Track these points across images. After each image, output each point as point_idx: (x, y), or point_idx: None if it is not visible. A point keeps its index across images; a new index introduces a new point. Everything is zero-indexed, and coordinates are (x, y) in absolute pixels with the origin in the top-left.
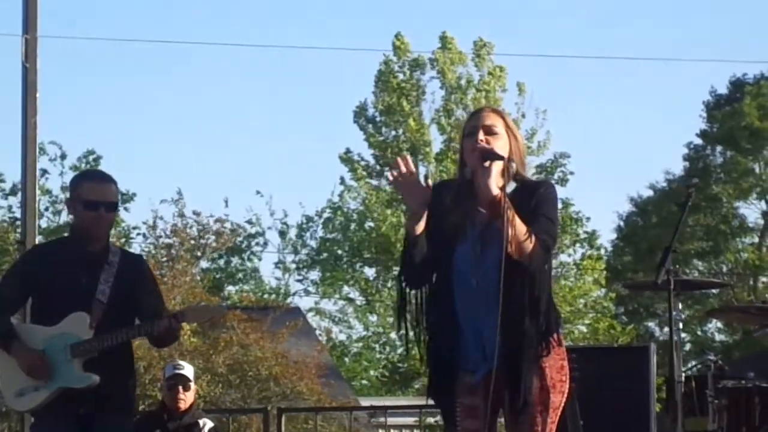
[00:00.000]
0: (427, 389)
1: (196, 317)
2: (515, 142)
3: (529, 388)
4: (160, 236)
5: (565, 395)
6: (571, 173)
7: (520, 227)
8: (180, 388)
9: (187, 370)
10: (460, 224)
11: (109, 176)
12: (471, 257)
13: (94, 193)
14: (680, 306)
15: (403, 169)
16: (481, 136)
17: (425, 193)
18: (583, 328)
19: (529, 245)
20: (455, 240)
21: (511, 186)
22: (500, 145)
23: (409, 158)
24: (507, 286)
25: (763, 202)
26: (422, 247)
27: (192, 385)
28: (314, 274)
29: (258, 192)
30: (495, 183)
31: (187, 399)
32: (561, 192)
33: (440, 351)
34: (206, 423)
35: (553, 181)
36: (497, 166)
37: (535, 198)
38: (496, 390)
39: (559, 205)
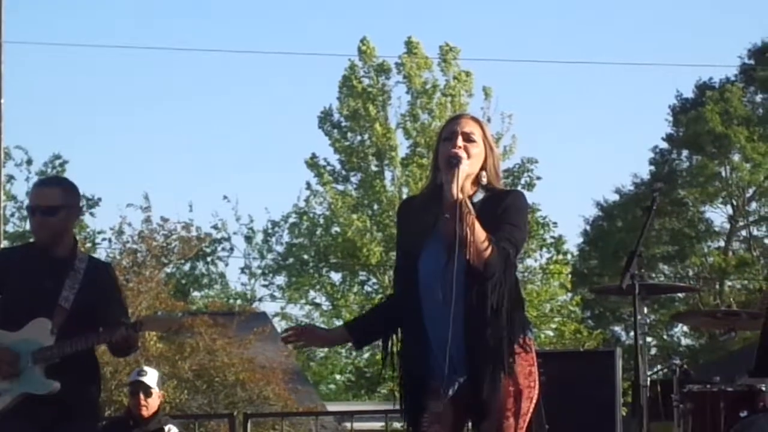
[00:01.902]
0: (399, 401)
1: (154, 327)
2: (491, 152)
3: (493, 396)
4: (127, 242)
5: (534, 401)
6: (538, 178)
7: (479, 233)
8: (141, 395)
9: (150, 376)
10: (424, 232)
11: (51, 180)
12: (437, 266)
13: (32, 198)
14: (645, 310)
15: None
16: (460, 142)
17: (314, 335)
18: (550, 333)
19: (487, 252)
20: (420, 248)
21: (480, 195)
22: (476, 152)
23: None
24: (469, 296)
25: (729, 207)
26: (373, 331)
27: (154, 391)
28: (280, 279)
29: (225, 197)
30: (458, 188)
31: (149, 405)
32: (528, 197)
33: (409, 363)
34: (171, 428)
35: (520, 186)
36: (462, 172)
37: (502, 206)
38: (462, 398)
39: (528, 213)
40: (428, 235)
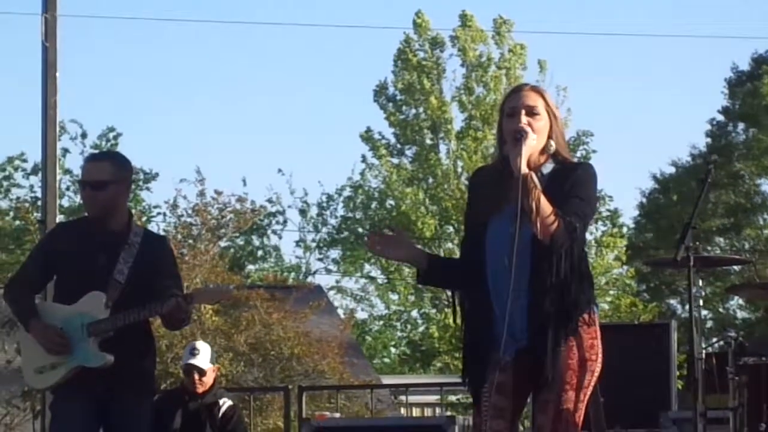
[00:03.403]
0: (462, 371)
1: (204, 299)
2: (555, 121)
3: (553, 368)
4: (182, 215)
5: (595, 374)
6: (594, 151)
7: (545, 207)
8: (195, 375)
9: (202, 356)
10: (493, 203)
11: (101, 154)
12: (504, 237)
13: (83, 173)
14: (701, 283)
15: (376, 242)
16: (524, 118)
17: (400, 242)
18: (605, 306)
19: (553, 226)
20: (488, 219)
21: (549, 166)
22: (541, 126)
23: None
24: (535, 267)
25: None
26: (442, 278)
27: (209, 369)
28: (335, 253)
29: (280, 170)
30: (524, 162)
31: (204, 383)
32: None
33: (473, 330)
34: (225, 401)
35: (575, 160)
36: (528, 147)
37: (571, 179)
38: (524, 368)
39: (597, 185)
40: (498, 205)
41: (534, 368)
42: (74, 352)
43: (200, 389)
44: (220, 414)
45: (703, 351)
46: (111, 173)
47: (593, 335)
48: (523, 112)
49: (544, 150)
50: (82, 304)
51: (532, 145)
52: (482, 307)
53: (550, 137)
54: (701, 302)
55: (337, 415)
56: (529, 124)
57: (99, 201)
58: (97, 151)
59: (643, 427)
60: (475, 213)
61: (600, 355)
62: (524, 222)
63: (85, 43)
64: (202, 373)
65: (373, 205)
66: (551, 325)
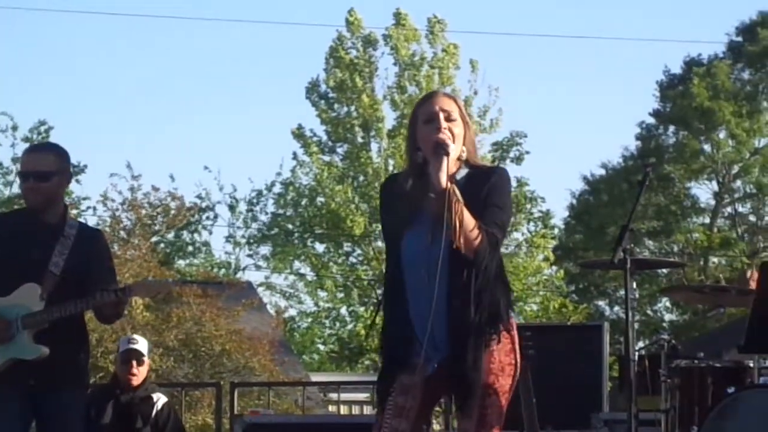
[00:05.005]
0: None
1: (143, 292)
2: (467, 128)
3: (475, 374)
4: (117, 210)
5: (515, 378)
6: (527, 152)
7: (468, 221)
8: (134, 362)
9: (141, 344)
10: (410, 211)
11: (45, 145)
12: (421, 247)
13: (25, 164)
14: (634, 285)
15: None
16: (443, 123)
17: None
18: (534, 306)
19: (477, 240)
20: (405, 228)
21: (463, 172)
22: (458, 132)
23: None
24: (454, 277)
25: (714, 183)
26: None
27: (146, 359)
28: (265, 249)
29: (206, 167)
30: (446, 175)
31: (140, 374)
32: (516, 171)
33: (390, 341)
34: (160, 397)
35: (509, 160)
36: (451, 161)
37: (487, 186)
38: (441, 376)
39: (513, 188)
40: (413, 215)
41: (455, 376)
42: (9, 344)
43: (135, 381)
44: (155, 410)
45: (636, 353)
46: (55, 164)
47: (512, 340)
48: (442, 116)
49: (459, 156)
50: (17, 296)
51: (454, 158)
52: (400, 316)
53: (463, 144)
54: (635, 304)
55: (270, 412)
56: (449, 130)
57: (42, 192)
58: (38, 143)
59: (574, 428)
60: (390, 224)
61: (519, 359)
62: (439, 234)
63: (16, 34)
64: (140, 361)
65: (304, 202)
66: (473, 334)
